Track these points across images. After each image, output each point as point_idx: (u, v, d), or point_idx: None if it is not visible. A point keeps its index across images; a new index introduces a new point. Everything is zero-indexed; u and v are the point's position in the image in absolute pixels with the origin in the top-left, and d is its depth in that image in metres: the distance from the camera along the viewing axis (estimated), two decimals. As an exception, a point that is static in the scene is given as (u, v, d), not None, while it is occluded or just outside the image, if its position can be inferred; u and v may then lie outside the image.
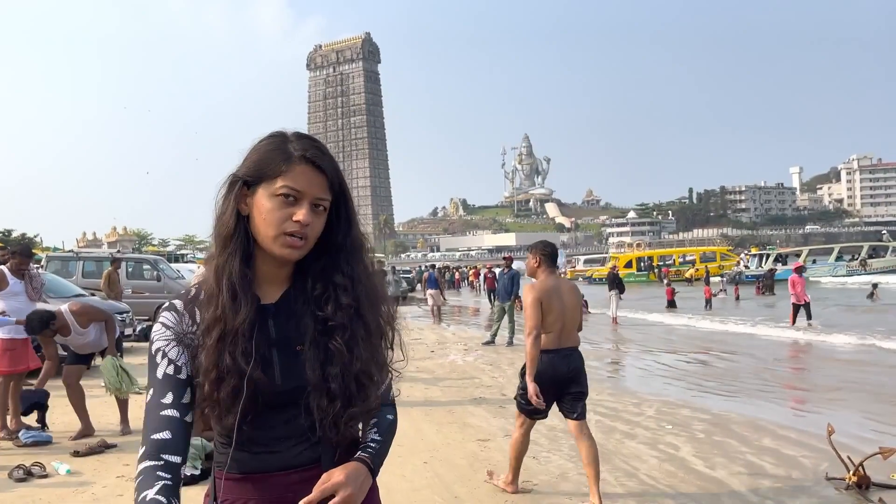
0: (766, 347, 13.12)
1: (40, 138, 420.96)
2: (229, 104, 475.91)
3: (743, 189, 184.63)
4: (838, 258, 43.75)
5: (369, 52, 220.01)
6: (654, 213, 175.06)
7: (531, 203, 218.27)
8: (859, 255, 43.96)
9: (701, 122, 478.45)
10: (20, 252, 6.44)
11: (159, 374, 1.29)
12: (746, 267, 42.10)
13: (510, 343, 13.38)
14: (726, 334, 15.71)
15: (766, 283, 30.50)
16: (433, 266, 28.24)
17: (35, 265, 7.72)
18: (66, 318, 5.96)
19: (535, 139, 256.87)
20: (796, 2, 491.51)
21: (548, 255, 4.63)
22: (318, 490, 1.22)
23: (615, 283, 20.08)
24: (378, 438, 1.38)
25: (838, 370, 10.65)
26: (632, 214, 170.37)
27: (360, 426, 1.39)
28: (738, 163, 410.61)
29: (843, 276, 39.26)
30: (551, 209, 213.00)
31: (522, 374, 4.53)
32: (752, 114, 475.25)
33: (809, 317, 15.81)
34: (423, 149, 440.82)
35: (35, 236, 53.15)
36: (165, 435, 1.23)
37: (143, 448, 1.24)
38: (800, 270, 16.85)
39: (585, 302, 22.83)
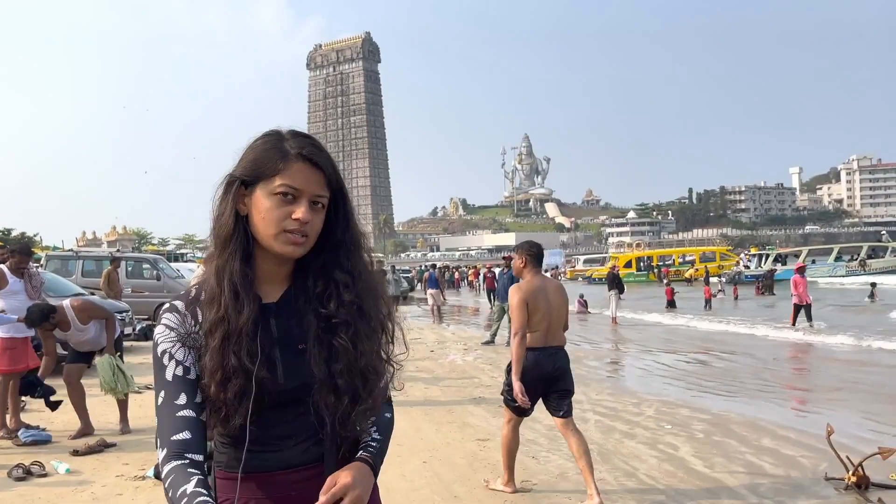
0: (766, 348, 13.12)
1: (40, 137, 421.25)
2: (229, 104, 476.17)
3: (743, 189, 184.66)
4: (837, 258, 43.77)
5: (369, 51, 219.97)
6: (654, 213, 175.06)
7: (531, 203, 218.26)
8: (858, 255, 43.99)
9: (701, 122, 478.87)
10: (19, 250, 6.43)
11: (168, 376, 1.28)
12: (746, 267, 42.12)
13: (510, 343, 13.39)
14: (726, 334, 15.71)
15: (766, 284, 30.50)
16: (433, 266, 28.24)
17: (34, 264, 7.71)
18: (66, 313, 5.97)
19: (535, 139, 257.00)
20: (796, 2, 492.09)
21: (533, 255, 4.71)
22: (328, 494, 1.22)
23: (615, 283, 20.10)
24: (378, 437, 1.38)
25: (838, 370, 10.65)
26: (631, 214, 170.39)
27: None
28: (737, 163, 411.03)
29: (843, 276, 39.28)
30: (551, 209, 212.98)
31: (508, 371, 4.61)
32: (751, 114, 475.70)
33: (810, 319, 15.72)
34: (423, 148, 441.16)
35: (35, 235, 53.20)
36: (185, 435, 1.24)
37: (164, 451, 1.24)
38: (802, 271, 16.75)
39: (585, 302, 22.89)
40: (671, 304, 23.04)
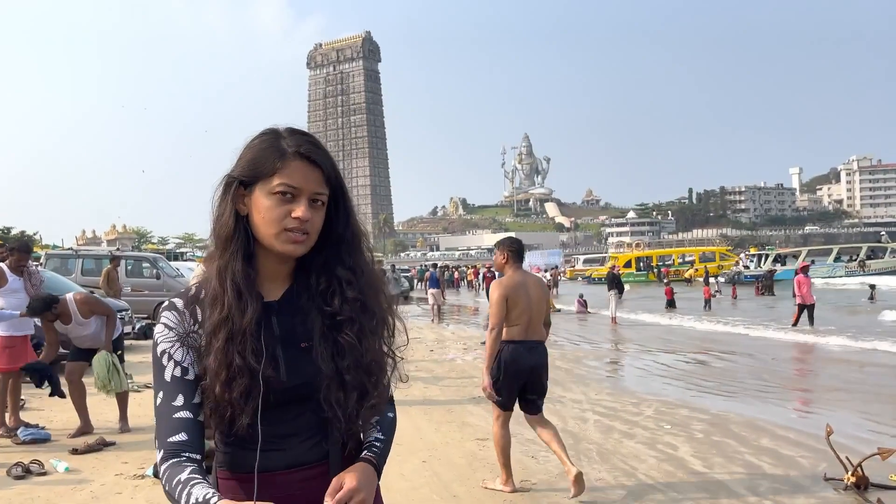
0: (765, 348, 13.12)
1: (39, 136, 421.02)
2: (229, 103, 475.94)
3: (742, 189, 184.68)
4: (837, 259, 43.81)
5: (369, 50, 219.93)
6: (654, 213, 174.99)
7: (531, 203, 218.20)
8: (858, 256, 44.02)
9: (701, 123, 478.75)
10: (18, 248, 6.42)
11: (167, 376, 1.29)
12: (746, 267, 42.14)
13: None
14: (725, 335, 15.72)
15: (766, 284, 30.51)
16: (434, 265, 28.25)
17: (34, 263, 7.70)
18: (69, 305, 5.98)
19: (534, 139, 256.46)
20: (796, 2, 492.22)
21: (515, 251, 4.85)
22: (335, 501, 1.21)
23: (614, 283, 20.10)
24: (382, 437, 1.39)
25: (837, 371, 10.66)
26: (631, 214, 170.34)
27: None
28: (737, 163, 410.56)
29: (842, 276, 39.29)
30: (551, 209, 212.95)
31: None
32: (751, 114, 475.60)
33: (811, 320, 15.61)
34: (423, 148, 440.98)
35: (34, 234, 53.19)
36: (182, 437, 1.25)
37: (161, 452, 1.25)
38: (805, 270, 16.68)
39: (585, 302, 22.90)
40: (671, 304, 23.05)
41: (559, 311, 22.89)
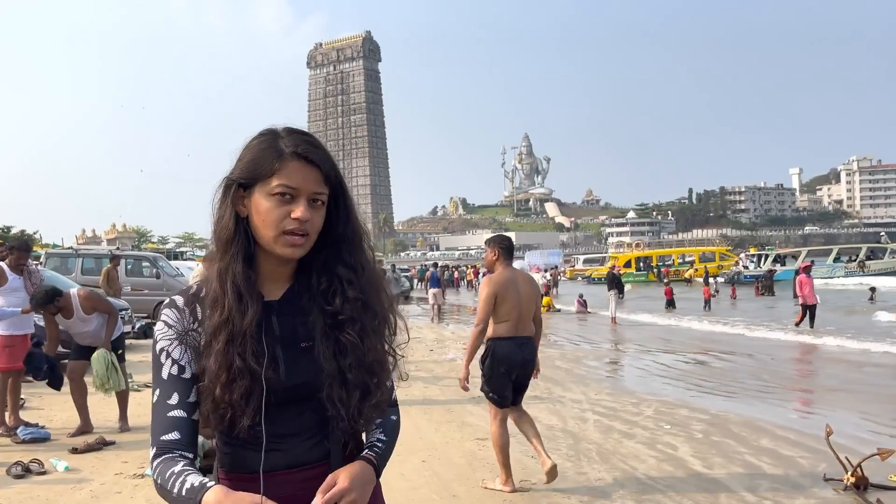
0: (765, 348, 13.13)
1: (40, 136, 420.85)
2: (230, 102, 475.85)
3: (742, 190, 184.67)
4: (836, 259, 43.79)
5: (370, 50, 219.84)
6: (654, 213, 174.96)
7: (531, 203, 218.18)
8: (857, 256, 44.00)
9: (701, 123, 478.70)
10: (18, 247, 6.42)
11: (164, 374, 1.30)
12: (745, 267, 42.13)
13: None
14: (725, 335, 15.72)
15: (766, 284, 30.49)
16: (435, 265, 28.23)
17: (33, 262, 7.70)
18: (72, 300, 6.01)
19: (535, 139, 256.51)
20: (796, 2, 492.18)
21: (505, 248, 4.92)
22: (324, 499, 1.21)
23: (614, 283, 20.10)
24: (384, 438, 1.39)
25: (837, 371, 10.66)
26: (631, 214, 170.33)
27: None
28: (737, 163, 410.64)
29: (841, 277, 39.29)
30: (551, 209, 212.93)
31: (482, 362, 4.78)
32: (751, 114, 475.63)
33: (812, 321, 15.54)
34: (423, 147, 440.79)
35: (34, 233, 53.14)
36: (175, 436, 1.26)
37: (154, 449, 1.27)
38: (808, 270, 16.61)
39: (585, 302, 22.90)
40: (670, 304, 23.05)
41: (559, 310, 22.90)
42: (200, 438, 5.15)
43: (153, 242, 75.59)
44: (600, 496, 4.65)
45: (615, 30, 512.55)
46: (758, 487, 4.83)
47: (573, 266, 61.89)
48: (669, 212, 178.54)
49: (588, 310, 22.38)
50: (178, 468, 1.22)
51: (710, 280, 27.84)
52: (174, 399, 1.28)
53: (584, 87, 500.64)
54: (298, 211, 1.26)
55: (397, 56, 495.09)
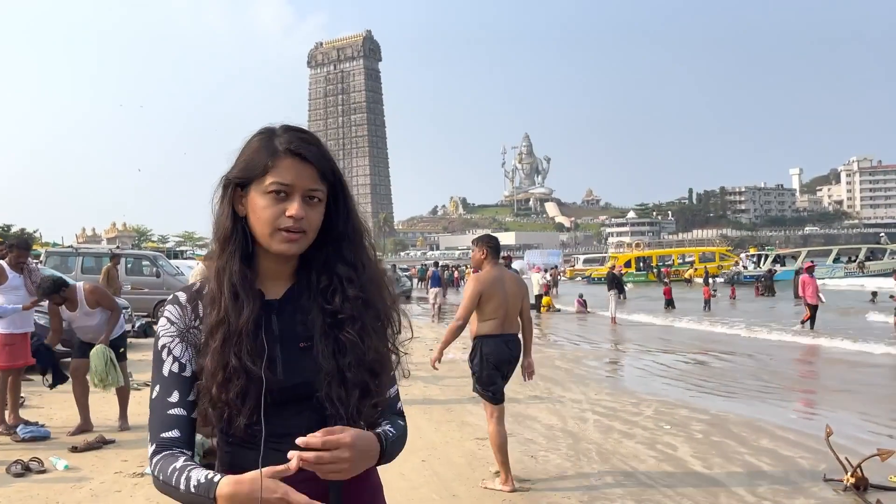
0: (764, 348, 13.13)
1: (40, 135, 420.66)
2: (230, 102, 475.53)
3: (742, 190, 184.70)
4: (836, 260, 43.78)
5: (370, 49, 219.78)
6: (654, 213, 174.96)
7: (531, 202, 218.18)
8: (857, 257, 43.99)
9: (701, 123, 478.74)
10: (18, 245, 6.41)
11: (165, 371, 1.30)
12: (745, 268, 42.12)
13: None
14: (724, 335, 15.71)
15: (766, 285, 30.46)
16: (436, 264, 28.22)
17: (33, 260, 7.70)
18: (77, 293, 6.04)
19: (535, 138, 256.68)
20: (796, 2, 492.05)
21: (493, 247, 5.04)
22: (321, 439, 1.17)
23: (614, 283, 20.08)
24: (393, 431, 1.37)
25: (837, 372, 10.67)
26: (631, 214, 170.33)
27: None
28: (737, 164, 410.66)
29: (841, 277, 39.27)
30: (551, 209, 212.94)
31: (472, 360, 4.89)
32: (752, 114, 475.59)
33: (812, 322, 15.53)
34: (424, 147, 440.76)
35: (34, 231, 53.16)
36: (174, 433, 1.27)
37: (153, 445, 1.27)
38: (811, 270, 16.56)
39: (584, 302, 22.90)
40: (669, 304, 23.05)
41: (559, 310, 22.90)
42: (199, 437, 5.14)
43: (153, 241, 75.63)
44: (600, 496, 4.66)
45: (615, 30, 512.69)
46: (757, 488, 4.83)
47: (573, 266, 61.88)
48: (669, 212, 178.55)
49: (588, 310, 22.37)
50: (179, 464, 1.22)
51: (710, 280, 27.83)
52: (174, 397, 1.29)
53: (584, 87, 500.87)
54: (293, 208, 1.25)
55: (398, 56, 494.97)
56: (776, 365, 11.20)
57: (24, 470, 4.90)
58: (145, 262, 17.44)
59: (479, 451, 5.70)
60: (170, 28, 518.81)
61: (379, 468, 1.44)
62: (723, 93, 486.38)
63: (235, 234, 1.30)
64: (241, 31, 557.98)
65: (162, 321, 1.33)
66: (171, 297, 1.36)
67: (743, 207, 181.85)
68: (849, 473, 4.68)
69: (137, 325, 13.37)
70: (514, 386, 8.26)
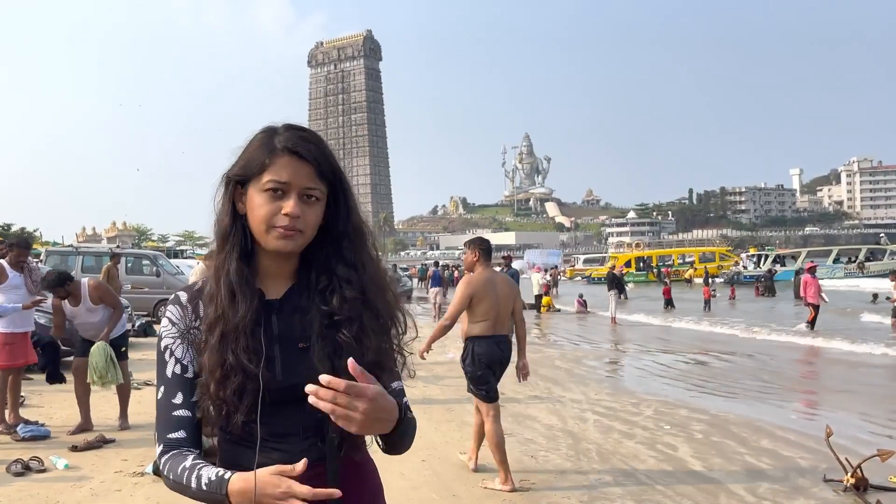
0: (765, 349, 13.13)
1: (40, 134, 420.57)
2: (230, 101, 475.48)
3: (743, 190, 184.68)
4: (836, 260, 43.75)
5: (371, 49, 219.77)
6: (654, 213, 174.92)
7: (531, 202, 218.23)
8: (857, 257, 43.96)
9: (701, 123, 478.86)
10: (18, 244, 6.41)
11: (168, 372, 1.31)
12: (745, 268, 42.10)
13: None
14: (724, 335, 15.71)
15: (766, 285, 30.41)
16: (436, 263, 28.21)
17: (34, 259, 7.70)
18: (81, 288, 6.07)
19: (535, 138, 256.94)
20: (796, 2, 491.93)
21: (485, 250, 5.11)
22: (346, 382, 1.11)
23: (614, 283, 20.07)
24: (410, 415, 1.33)
25: (837, 372, 10.67)
26: (631, 214, 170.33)
27: None
28: (738, 164, 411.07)
29: (841, 278, 39.24)
30: (551, 208, 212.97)
31: (464, 360, 4.93)
32: (752, 115, 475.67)
33: (812, 324, 15.54)
34: (424, 147, 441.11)
35: (34, 230, 53.18)
36: (180, 434, 1.29)
37: (161, 446, 1.29)
38: (813, 271, 16.50)
39: (584, 302, 22.89)
40: (668, 304, 23.04)
41: (559, 310, 22.89)
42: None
43: (153, 240, 75.62)
44: (600, 496, 4.66)
45: (616, 30, 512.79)
46: (757, 488, 4.83)
47: (573, 266, 61.85)
48: (669, 212, 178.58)
49: (588, 310, 22.37)
50: (188, 463, 1.24)
51: (709, 280, 27.80)
52: (178, 399, 1.30)
53: (584, 86, 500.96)
54: (288, 206, 1.25)
55: (398, 55, 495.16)
56: (776, 365, 11.20)
57: (25, 469, 4.90)
58: (145, 262, 17.45)
59: (479, 451, 5.69)
60: (170, 28, 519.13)
61: (379, 468, 1.44)
62: (723, 93, 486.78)
63: (234, 231, 1.31)
64: (241, 31, 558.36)
65: (164, 322, 1.34)
66: (172, 296, 1.37)
67: (743, 208, 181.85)
68: (849, 474, 4.68)
69: (137, 324, 13.38)
70: (515, 386, 8.27)
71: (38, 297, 6.14)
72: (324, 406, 1.11)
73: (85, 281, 6.23)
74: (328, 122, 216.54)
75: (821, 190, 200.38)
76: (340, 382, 1.10)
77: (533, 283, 23.82)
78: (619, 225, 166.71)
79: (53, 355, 6.49)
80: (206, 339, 1.28)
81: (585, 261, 63.19)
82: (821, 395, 9.05)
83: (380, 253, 1.44)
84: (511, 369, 5.15)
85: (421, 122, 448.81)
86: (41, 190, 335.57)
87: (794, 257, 42.63)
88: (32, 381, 7.68)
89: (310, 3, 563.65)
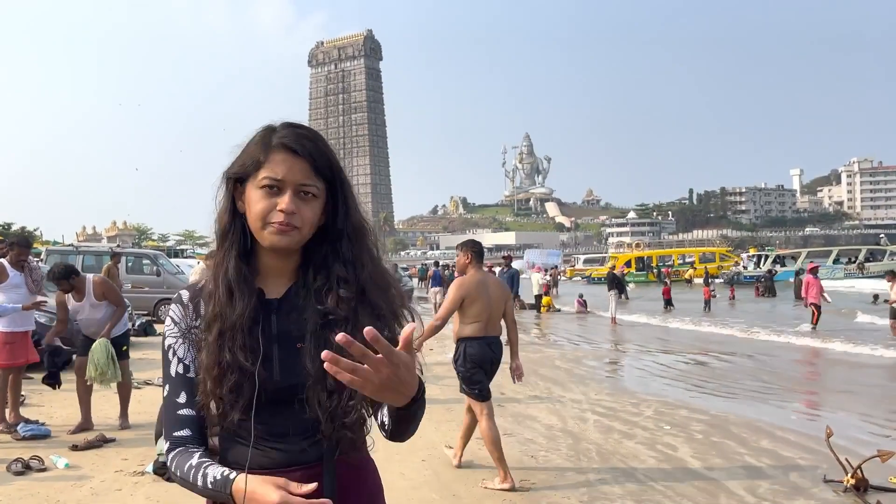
0: (765, 349, 13.13)
1: (41, 134, 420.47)
2: (230, 101, 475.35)
3: (743, 190, 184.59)
4: (836, 261, 43.70)
5: (371, 49, 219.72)
6: (654, 213, 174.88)
7: (531, 202, 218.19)
8: (857, 258, 43.92)
9: (701, 123, 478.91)
10: (18, 242, 6.41)
11: (172, 371, 1.33)
12: (745, 268, 42.07)
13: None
14: (725, 336, 15.70)
15: (767, 286, 30.38)
16: (436, 263, 28.20)
17: (34, 258, 7.70)
18: (86, 284, 6.09)
19: (535, 138, 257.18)
20: (796, 2, 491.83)
21: (477, 252, 5.20)
22: (379, 339, 1.05)
23: (614, 283, 20.06)
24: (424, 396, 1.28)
25: (837, 373, 10.67)
26: (632, 215, 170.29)
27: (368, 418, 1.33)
28: (738, 164, 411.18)
29: (840, 279, 39.21)
30: (551, 208, 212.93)
31: (456, 361, 5.00)
32: (752, 115, 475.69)
33: (815, 324, 15.54)
34: (424, 146, 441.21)
35: (35, 230, 53.18)
36: (186, 432, 1.31)
37: (168, 443, 1.32)
38: (815, 271, 16.46)
39: (584, 302, 22.88)
40: (668, 304, 23.03)
41: (559, 310, 22.88)
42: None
43: (153, 240, 75.61)
44: (600, 496, 4.66)
45: (616, 30, 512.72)
46: (757, 488, 4.83)
47: (573, 266, 61.83)
48: (670, 212, 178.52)
49: (588, 310, 22.36)
50: (195, 461, 1.26)
51: (709, 281, 27.78)
52: (182, 398, 1.31)
53: (584, 86, 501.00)
54: (283, 202, 1.25)
55: (398, 55, 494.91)
56: (776, 366, 11.19)
57: (25, 468, 4.90)
58: (146, 261, 17.45)
59: (479, 451, 5.69)
60: (170, 28, 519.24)
61: (379, 468, 1.44)
62: (723, 93, 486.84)
63: (233, 230, 1.31)
64: (241, 31, 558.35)
65: (167, 320, 1.35)
66: (175, 295, 1.38)
67: (743, 208, 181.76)
68: (849, 474, 4.68)
69: (138, 323, 13.38)
70: (515, 386, 8.27)
71: (39, 299, 6.14)
72: (344, 377, 1.05)
73: (90, 277, 6.26)
74: (328, 122, 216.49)
75: (821, 190, 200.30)
76: (374, 333, 1.03)
77: (533, 283, 23.81)
78: (619, 225, 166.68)
79: (57, 360, 6.48)
80: (205, 336, 1.29)
81: (585, 261, 63.14)
82: (821, 395, 9.06)
83: (382, 253, 1.43)
84: (506, 370, 5.20)
85: (421, 122, 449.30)
86: (41, 189, 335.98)
87: (794, 258, 42.59)
88: (33, 381, 7.68)
89: (310, 3, 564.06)
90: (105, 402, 6.75)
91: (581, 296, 23.64)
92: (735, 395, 8.61)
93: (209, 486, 1.23)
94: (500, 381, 9.14)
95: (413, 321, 1.36)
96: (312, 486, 1.18)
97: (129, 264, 16.78)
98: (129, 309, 12.19)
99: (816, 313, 15.56)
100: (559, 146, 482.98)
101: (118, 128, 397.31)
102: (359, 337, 1.23)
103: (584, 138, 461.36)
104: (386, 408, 1.24)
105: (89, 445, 5.55)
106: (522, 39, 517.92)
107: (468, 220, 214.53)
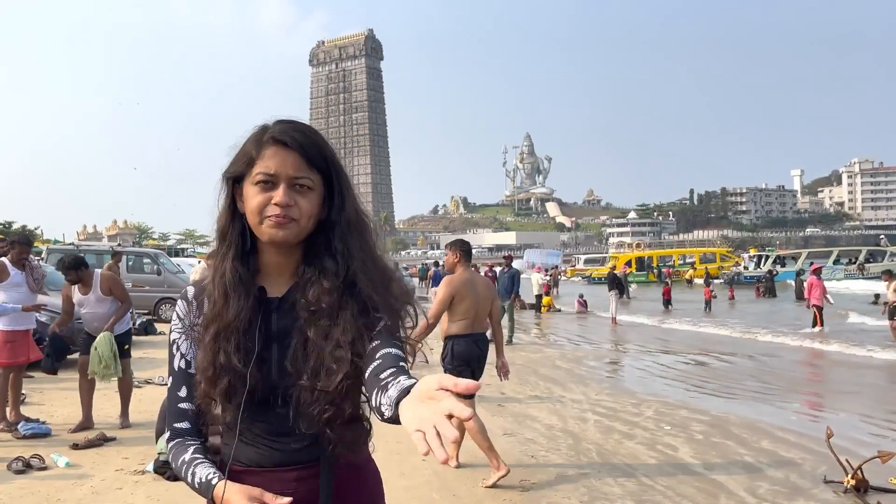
0: (765, 350, 13.12)
1: (41, 133, 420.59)
2: (231, 101, 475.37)
3: (744, 191, 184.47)
4: (836, 262, 43.67)
5: (372, 48, 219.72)
6: (655, 213, 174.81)
7: (532, 202, 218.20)
8: (857, 259, 43.90)
9: (702, 124, 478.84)
10: (19, 241, 6.41)
11: (175, 366, 1.36)
12: (745, 268, 42.04)
13: (509, 342, 13.40)
14: (725, 337, 15.69)
15: (767, 286, 30.35)
16: (436, 263, 28.19)
17: (35, 257, 7.71)
18: (94, 277, 6.13)
19: (536, 138, 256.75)
20: (796, 2, 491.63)
21: (465, 251, 5.35)
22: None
23: (614, 283, 20.04)
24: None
25: (838, 374, 10.67)
26: (632, 215, 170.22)
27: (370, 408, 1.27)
28: (739, 165, 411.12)
29: (841, 279, 39.18)
30: (552, 208, 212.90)
31: (443, 359, 5.06)
32: (753, 115, 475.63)
33: (814, 324, 15.54)
34: (425, 146, 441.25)
35: (36, 228, 53.16)
36: (185, 425, 1.35)
37: (168, 433, 1.36)
38: (818, 272, 16.42)
39: (585, 302, 22.87)
40: (668, 304, 23.02)
41: (559, 311, 22.88)
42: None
43: (154, 239, 75.61)
44: (600, 496, 4.66)
45: (616, 30, 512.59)
46: (758, 489, 4.83)
47: (574, 266, 61.81)
48: (670, 212, 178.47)
49: (588, 310, 22.35)
50: (188, 456, 1.31)
51: (710, 281, 27.75)
52: (183, 392, 1.35)
53: (585, 86, 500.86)
54: (277, 195, 1.25)
55: (399, 54, 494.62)
56: (776, 366, 11.19)
57: (26, 467, 4.90)
58: (146, 260, 17.47)
59: (479, 451, 5.68)
60: (171, 28, 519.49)
61: (379, 468, 1.44)
62: (723, 93, 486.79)
63: (232, 230, 1.31)
64: (242, 31, 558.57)
65: (173, 316, 1.38)
66: (182, 291, 1.40)
67: (744, 208, 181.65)
68: (849, 475, 4.67)
69: (139, 322, 13.37)
70: (515, 386, 8.28)
71: (40, 301, 6.16)
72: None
73: (98, 271, 6.30)
74: (329, 122, 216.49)
75: (822, 191, 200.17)
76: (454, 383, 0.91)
77: (533, 283, 23.79)
78: (619, 225, 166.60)
79: (60, 349, 6.52)
80: (203, 336, 1.30)
81: (586, 261, 63.10)
82: (821, 396, 9.05)
83: (381, 247, 1.39)
84: (492, 370, 5.28)
85: (422, 122, 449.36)
86: (42, 189, 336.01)
87: (795, 258, 42.57)
88: (33, 379, 7.68)
89: (311, 3, 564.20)
90: (106, 401, 6.75)
91: (581, 296, 23.63)
92: (735, 396, 8.61)
93: (196, 485, 1.28)
94: (501, 382, 9.16)
95: (417, 316, 1.37)
96: (287, 500, 1.21)
97: (130, 263, 16.80)
98: (131, 308, 12.25)
99: (818, 315, 15.53)
100: (560, 146, 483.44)
101: (119, 128, 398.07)
102: (334, 333, 1.24)
103: (584, 138, 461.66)
104: (386, 395, 1.08)
105: (90, 444, 5.55)
106: (523, 39, 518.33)
107: (469, 219, 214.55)
